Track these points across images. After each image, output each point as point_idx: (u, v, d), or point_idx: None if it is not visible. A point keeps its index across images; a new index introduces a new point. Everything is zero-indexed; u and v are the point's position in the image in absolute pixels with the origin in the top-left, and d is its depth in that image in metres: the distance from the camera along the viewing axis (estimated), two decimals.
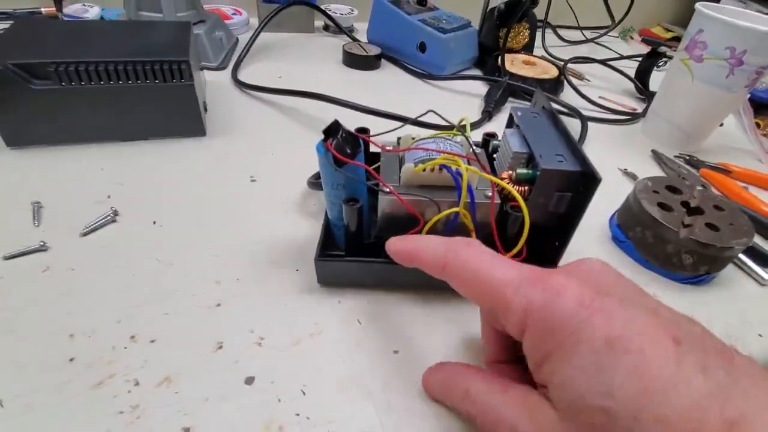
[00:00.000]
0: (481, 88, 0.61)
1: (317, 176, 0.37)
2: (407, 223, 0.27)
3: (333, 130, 0.25)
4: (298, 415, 0.22)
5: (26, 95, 0.36)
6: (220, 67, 0.56)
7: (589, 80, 0.69)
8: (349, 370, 0.25)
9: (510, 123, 0.32)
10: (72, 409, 0.21)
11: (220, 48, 0.58)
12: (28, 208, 0.32)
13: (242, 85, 0.52)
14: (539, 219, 0.27)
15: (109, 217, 0.32)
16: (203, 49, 0.54)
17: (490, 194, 0.27)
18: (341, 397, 0.23)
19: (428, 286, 0.29)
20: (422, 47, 0.62)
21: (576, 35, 0.85)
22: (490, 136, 0.33)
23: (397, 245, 0.23)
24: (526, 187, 0.27)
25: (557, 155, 0.26)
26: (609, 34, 0.83)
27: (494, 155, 0.32)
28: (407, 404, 0.23)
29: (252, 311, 0.27)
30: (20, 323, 0.25)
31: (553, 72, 0.62)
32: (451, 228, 0.26)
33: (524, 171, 0.27)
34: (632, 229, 0.35)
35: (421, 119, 0.43)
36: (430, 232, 0.27)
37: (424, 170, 0.26)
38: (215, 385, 0.23)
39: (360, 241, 0.28)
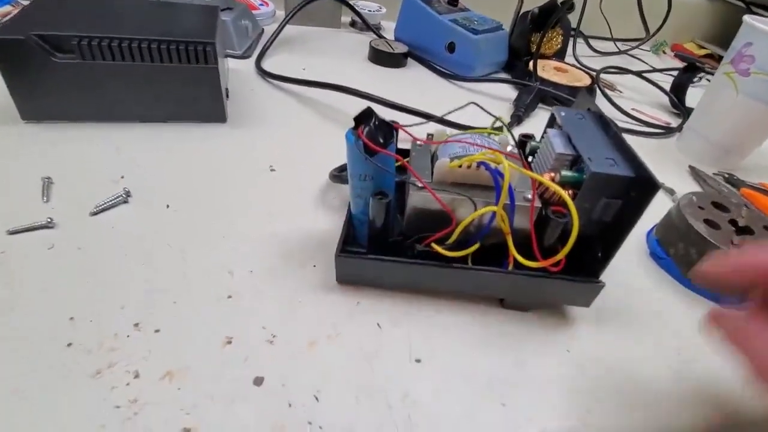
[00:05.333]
0: (508, 92, 0.59)
1: (340, 169, 0.35)
2: (438, 222, 0.25)
3: (365, 116, 0.23)
4: (310, 423, 0.20)
5: (47, 68, 0.34)
6: (245, 56, 0.55)
7: (621, 92, 0.66)
8: (367, 379, 0.23)
9: (551, 123, 0.30)
10: (64, 399, 0.20)
11: (246, 37, 0.56)
12: (38, 183, 0.31)
13: (266, 75, 0.50)
14: (581, 226, 0.25)
15: (120, 198, 0.30)
16: (229, 36, 0.53)
17: (528, 196, 0.24)
18: (357, 407, 0.21)
19: (456, 290, 0.27)
20: (451, 47, 0.60)
21: (607, 46, 0.83)
22: (526, 137, 0.31)
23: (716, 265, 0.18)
24: (570, 192, 0.25)
25: (608, 158, 0.24)
26: (641, 47, 0.81)
27: (530, 158, 0.30)
28: (428, 419, 0.21)
29: (265, 306, 0.25)
30: (19, 302, 0.23)
31: (586, 80, 0.60)
32: (486, 231, 0.24)
33: (569, 173, 0.25)
34: (674, 246, 0.32)
35: (448, 118, 0.42)
36: (462, 233, 0.25)
37: (459, 166, 0.24)
38: (221, 384, 0.21)
39: (384, 239, 0.26)
